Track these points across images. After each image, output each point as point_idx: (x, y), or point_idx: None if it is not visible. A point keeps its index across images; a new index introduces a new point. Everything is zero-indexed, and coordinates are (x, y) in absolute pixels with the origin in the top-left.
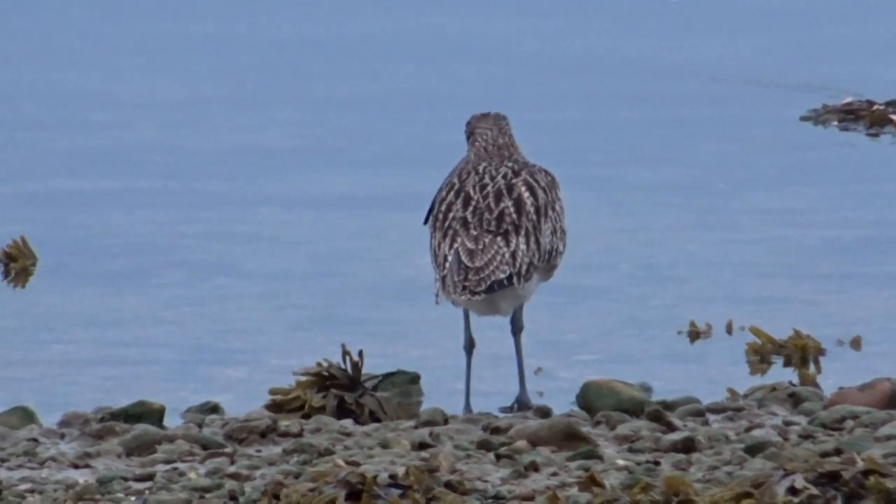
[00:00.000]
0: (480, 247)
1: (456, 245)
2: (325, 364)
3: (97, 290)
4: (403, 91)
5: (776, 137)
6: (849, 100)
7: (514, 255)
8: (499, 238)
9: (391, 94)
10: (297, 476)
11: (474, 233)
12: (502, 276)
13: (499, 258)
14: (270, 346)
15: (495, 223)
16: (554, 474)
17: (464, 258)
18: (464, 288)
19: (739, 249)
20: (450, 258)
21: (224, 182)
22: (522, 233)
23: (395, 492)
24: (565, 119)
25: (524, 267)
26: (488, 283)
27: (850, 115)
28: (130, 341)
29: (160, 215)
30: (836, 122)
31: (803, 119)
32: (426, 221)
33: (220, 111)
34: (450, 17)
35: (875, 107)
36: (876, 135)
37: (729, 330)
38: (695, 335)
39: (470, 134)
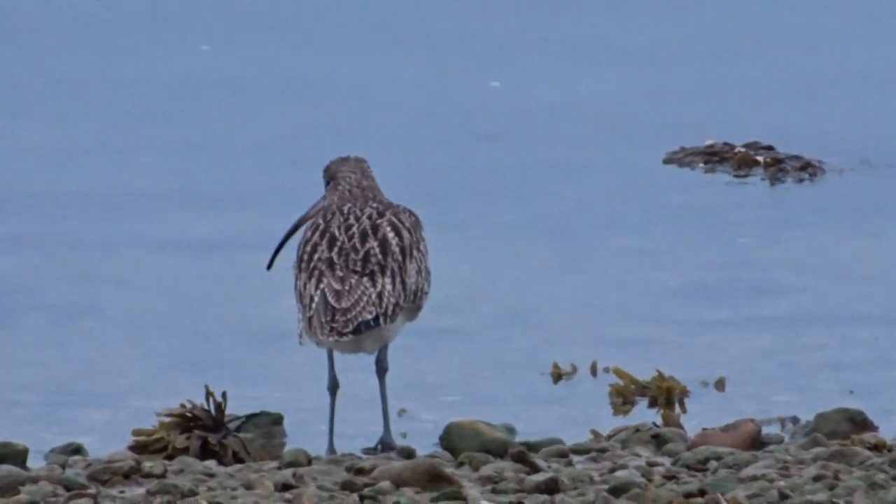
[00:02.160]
0: (347, 287)
1: (322, 286)
2: (188, 405)
3: None
4: (265, 134)
5: (639, 180)
6: (710, 142)
7: (380, 295)
8: (365, 279)
9: (252, 137)
10: None
11: (340, 273)
12: (369, 316)
13: (365, 299)
14: (133, 388)
15: (361, 264)
16: None
17: (330, 299)
18: (331, 329)
19: (603, 292)
20: (316, 299)
21: (87, 224)
22: (388, 273)
23: None
24: (426, 161)
25: (390, 307)
26: (355, 323)
27: (715, 157)
28: None
29: (23, 258)
30: (701, 165)
31: (666, 162)
32: (269, 267)
33: (83, 154)
34: (306, 59)
35: (737, 149)
36: (743, 177)
37: (593, 371)
38: (558, 376)
39: (331, 178)
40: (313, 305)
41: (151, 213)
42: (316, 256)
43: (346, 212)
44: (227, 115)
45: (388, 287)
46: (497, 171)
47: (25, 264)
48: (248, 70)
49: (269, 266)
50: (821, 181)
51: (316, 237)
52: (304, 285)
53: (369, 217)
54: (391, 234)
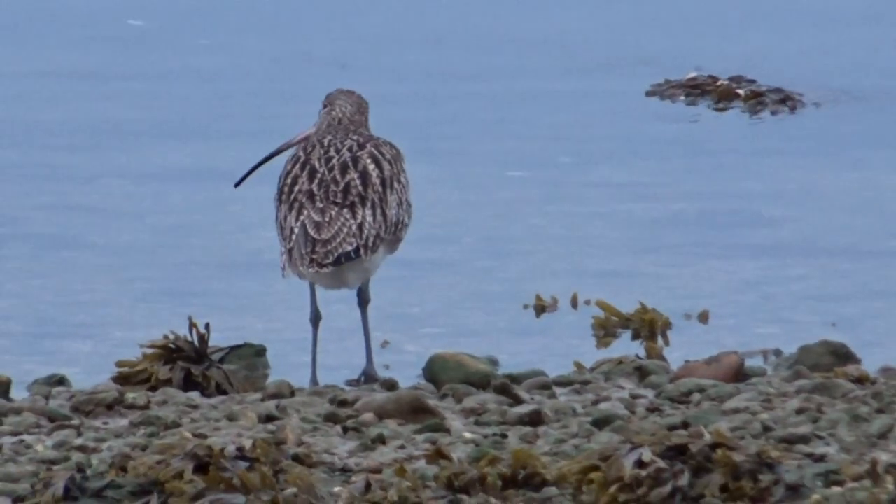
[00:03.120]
0: (327, 219)
1: (302, 218)
2: (171, 337)
3: None
4: (246, 64)
5: (621, 111)
6: (693, 75)
7: (360, 227)
8: (345, 210)
9: (235, 67)
10: (144, 448)
11: (320, 205)
12: (349, 248)
13: (346, 230)
14: (116, 319)
15: (341, 195)
16: (401, 447)
17: (311, 231)
18: (311, 261)
19: (584, 223)
20: (296, 231)
21: (68, 155)
22: (368, 205)
23: (243, 464)
24: (408, 92)
25: (371, 239)
26: (335, 255)
27: (697, 90)
28: None
29: (3, 188)
30: (682, 98)
31: (648, 94)
32: (237, 184)
33: (62, 84)
34: None
35: (720, 82)
36: (723, 109)
37: (574, 304)
38: (540, 309)
39: (328, 104)
40: (293, 237)
41: (133, 143)
42: (296, 188)
43: (326, 144)
44: (210, 45)
45: (369, 218)
46: (477, 102)
47: (6, 194)
48: (227, 1)
49: (238, 184)
50: (800, 113)
51: (296, 169)
52: (285, 217)
53: (349, 149)
54: (371, 166)
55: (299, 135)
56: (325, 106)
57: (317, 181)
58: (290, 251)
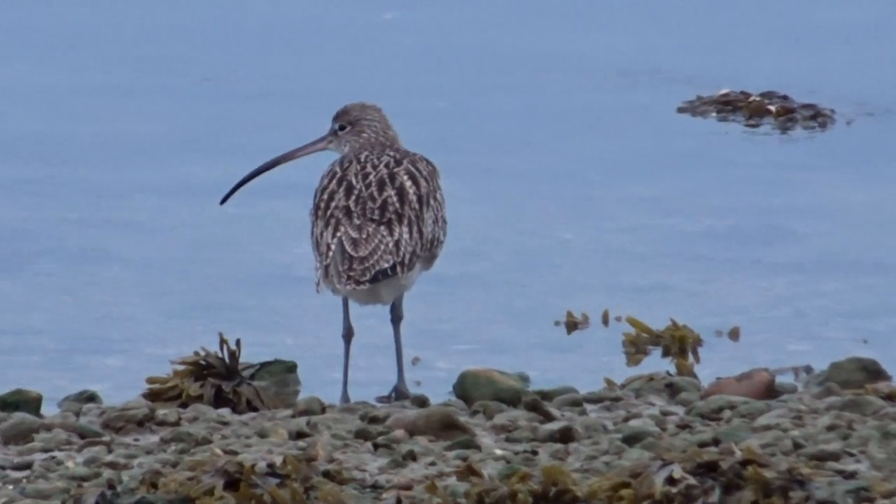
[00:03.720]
0: (364, 236)
1: (339, 234)
2: (202, 353)
3: None
4: (277, 80)
5: (652, 127)
6: (725, 91)
7: (397, 244)
8: (382, 227)
9: (266, 84)
10: (174, 465)
11: (357, 222)
12: (386, 265)
13: (382, 247)
14: (146, 335)
15: (379, 212)
16: (432, 464)
17: (348, 247)
18: (348, 277)
19: (614, 238)
20: (333, 247)
21: (100, 170)
22: (405, 222)
23: (273, 481)
24: (439, 109)
25: (407, 256)
26: (373, 272)
27: (728, 107)
28: (6, 329)
29: (35, 203)
30: (714, 114)
31: (680, 110)
32: (223, 201)
33: (96, 100)
34: (325, 6)
35: (752, 98)
36: (755, 126)
37: (605, 320)
38: (572, 325)
39: (352, 123)
40: (330, 254)
41: (164, 158)
42: (333, 204)
43: (363, 160)
44: (239, 61)
45: (406, 235)
46: (508, 117)
47: (36, 210)
48: (261, 18)
49: (224, 201)
50: (831, 130)
51: (333, 185)
52: (321, 233)
53: (386, 165)
54: (408, 183)
55: (304, 148)
56: (345, 125)
57: (354, 197)
58: (326, 267)
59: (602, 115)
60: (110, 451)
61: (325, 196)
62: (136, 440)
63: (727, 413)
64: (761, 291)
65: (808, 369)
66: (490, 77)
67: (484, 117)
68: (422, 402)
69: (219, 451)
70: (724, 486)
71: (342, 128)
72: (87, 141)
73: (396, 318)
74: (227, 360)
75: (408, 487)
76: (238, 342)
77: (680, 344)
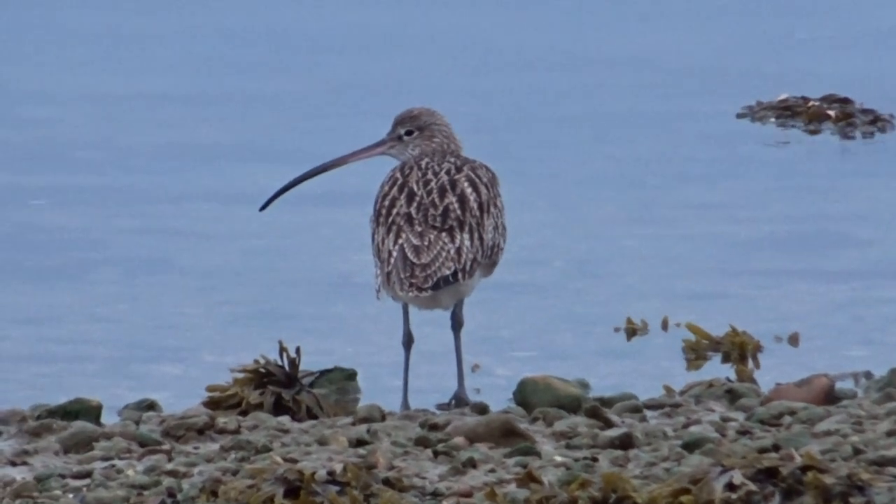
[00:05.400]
0: (426, 243)
1: (401, 241)
2: (262, 361)
3: (30, 286)
4: (334, 86)
5: (711, 133)
6: (784, 96)
7: (458, 251)
8: (443, 234)
9: (322, 89)
10: (235, 473)
11: (419, 229)
12: (448, 272)
13: (444, 254)
14: (206, 343)
15: (440, 219)
16: (492, 471)
17: (409, 254)
18: (411, 285)
19: (674, 245)
20: (395, 254)
21: (158, 177)
22: (466, 229)
23: (333, 488)
24: (498, 113)
25: (468, 263)
26: (435, 279)
27: (787, 112)
28: (65, 338)
29: (93, 211)
30: (773, 119)
31: (739, 116)
32: (262, 208)
33: (153, 106)
34: (379, 9)
35: (811, 103)
36: (815, 131)
37: (665, 326)
38: (632, 332)
39: (421, 128)
40: (392, 260)
41: (222, 165)
42: (395, 211)
43: (424, 166)
44: (296, 67)
45: (467, 243)
46: (568, 123)
47: (95, 218)
48: (315, 23)
49: (263, 208)
50: (891, 135)
51: (394, 191)
52: (383, 240)
53: (447, 172)
54: (469, 190)
55: (350, 155)
56: (410, 129)
57: (415, 204)
58: (387, 274)
59: (662, 120)
60: (170, 460)
61: (387, 203)
62: (195, 448)
63: (787, 419)
64: (820, 297)
65: (868, 375)
66: (548, 81)
67: (543, 123)
68: (482, 409)
69: (279, 459)
70: (784, 492)
71: (409, 133)
72: (147, 148)
73: (457, 324)
74: (286, 367)
75: (468, 495)
76: (298, 350)
77: (739, 350)
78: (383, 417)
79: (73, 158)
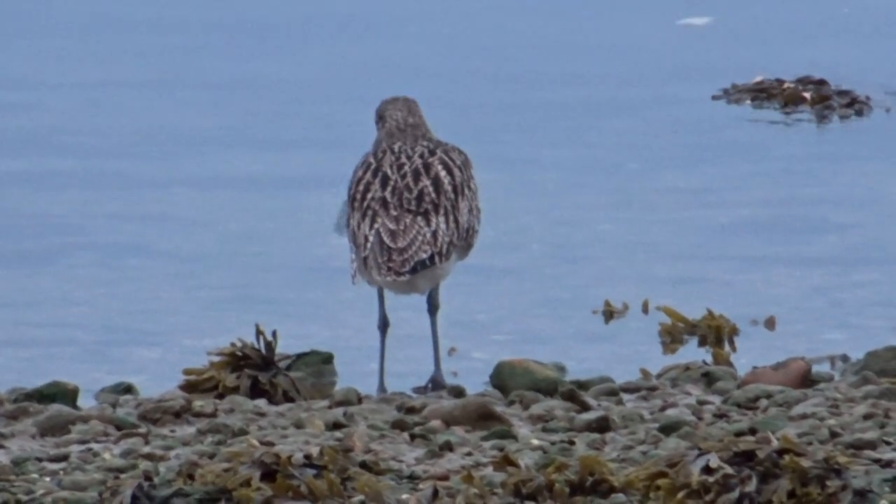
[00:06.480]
0: (402, 227)
1: (377, 225)
2: (238, 344)
3: (9, 270)
4: (313, 71)
5: (687, 117)
6: (759, 78)
7: (434, 234)
8: (419, 218)
9: (301, 75)
10: (211, 456)
11: (395, 213)
12: (424, 256)
13: (420, 238)
14: (183, 327)
15: (415, 203)
16: (468, 454)
17: (386, 239)
18: (388, 269)
19: (652, 229)
20: (371, 238)
21: (136, 162)
22: (442, 212)
23: (310, 471)
24: (476, 99)
25: (445, 246)
26: (412, 263)
27: (763, 94)
28: (43, 322)
29: (72, 196)
30: (749, 101)
31: (715, 98)
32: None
33: (132, 92)
34: None
35: (786, 85)
36: (790, 113)
37: (645, 310)
38: (609, 315)
39: (380, 118)
40: (368, 245)
41: (200, 151)
42: (369, 196)
43: (397, 150)
44: (276, 52)
45: (442, 226)
46: (546, 109)
47: (74, 203)
48: (295, 9)
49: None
50: (868, 118)
51: (368, 176)
52: (358, 224)
53: (421, 156)
54: (443, 173)
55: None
56: (377, 120)
57: (390, 188)
58: (364, 259)
59: (638, 104)
60: (147, 443)
61: (361, 187)
62: (172, 431)
63: (763, 402)
64: (797, 281)
65: (845, 358)
66: (527, 68)
67: (522, 108)
68: (458, 392)
69: (255, 443)
70: (760, 475)
71: (377, 123)
72: (125, 133)
73: (433, 308)
74: (263, 351)
75: (444, 478)
76: (274, 333)
77: (716, 333)
78: (360, 401)
79: (52, 143)
